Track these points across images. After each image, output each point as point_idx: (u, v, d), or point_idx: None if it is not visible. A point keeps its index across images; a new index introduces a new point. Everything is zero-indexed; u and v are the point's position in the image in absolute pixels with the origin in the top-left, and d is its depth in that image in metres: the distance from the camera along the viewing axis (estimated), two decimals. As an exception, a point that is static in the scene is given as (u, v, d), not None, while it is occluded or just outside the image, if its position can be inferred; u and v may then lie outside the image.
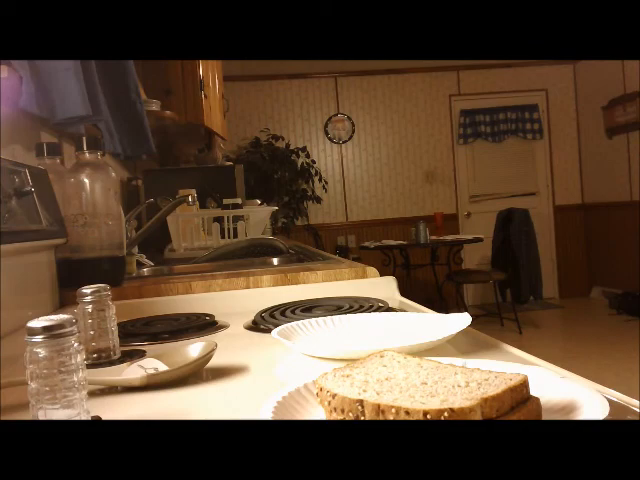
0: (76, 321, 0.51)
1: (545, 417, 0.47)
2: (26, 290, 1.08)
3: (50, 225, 1.13)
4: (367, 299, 1.07)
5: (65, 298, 1.24)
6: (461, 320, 0.80)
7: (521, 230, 4.98)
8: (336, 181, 6.22)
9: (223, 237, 2.35)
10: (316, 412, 0.52)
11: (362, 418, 0.46)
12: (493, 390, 0.44)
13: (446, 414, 0.41)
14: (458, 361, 0.58)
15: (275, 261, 1.95)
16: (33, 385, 0.49)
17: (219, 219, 2.41)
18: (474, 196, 6.41)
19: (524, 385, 0.46)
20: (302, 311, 1.01)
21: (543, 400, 0.47)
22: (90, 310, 0.79)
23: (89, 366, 0.76)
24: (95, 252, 1.24)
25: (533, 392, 0.47)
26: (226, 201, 2.62)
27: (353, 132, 6.23)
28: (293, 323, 0.86)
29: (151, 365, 0.70)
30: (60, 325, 0.49)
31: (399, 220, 6.23)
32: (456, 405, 0.42)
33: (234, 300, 1.20)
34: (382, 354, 0.57)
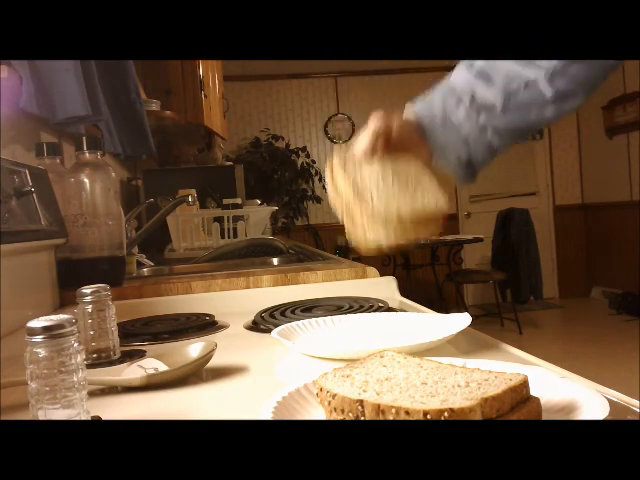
0: (76, 321, 0.51)
1: (545, 417, 0.47)
2: (26, 290, 1.08)
3: (50, 225, 1.13)
4: (367, 299, 1.07)
5: (65, 298, 1.24)
6: (461, 320, 0.80)
7: (521, 230, 4.98)
8: (336, 181, 6.21)
9: (223, 237, 2.35)
10: (316, 412, 0.52)
11: (362, 418, 0.46)
12: (493, 390, 0.44)
13: (446, 414, 0.41)
14: (458, 361, 0.58)
15: (275, 261, 1.95)
16: (33, 385, 0.49)
17: (219, 219, 2.41)
18: (474, 196, 6.40)
19: (524, 385, 0.46)
20: (302, 311, 1.01)
21: (543, 400, 0.47)
22: (90, 310, 0.79)
23: (89, 366, 0.76)
24: (95, 252, 1.24)
25: (533, 392, 0.47)
26: (226, 201, 2.62)
27: (353, 132, 6.22)
28: (293, 323, 0.86)
29: (151, 365, 0.70)
30: (60, 325, 0.49)
31: (399, 220, 6.22)
32: (456, 405, 0.42)
33: (234, 300, 1.20)
34: (382, 354, 0.57)
